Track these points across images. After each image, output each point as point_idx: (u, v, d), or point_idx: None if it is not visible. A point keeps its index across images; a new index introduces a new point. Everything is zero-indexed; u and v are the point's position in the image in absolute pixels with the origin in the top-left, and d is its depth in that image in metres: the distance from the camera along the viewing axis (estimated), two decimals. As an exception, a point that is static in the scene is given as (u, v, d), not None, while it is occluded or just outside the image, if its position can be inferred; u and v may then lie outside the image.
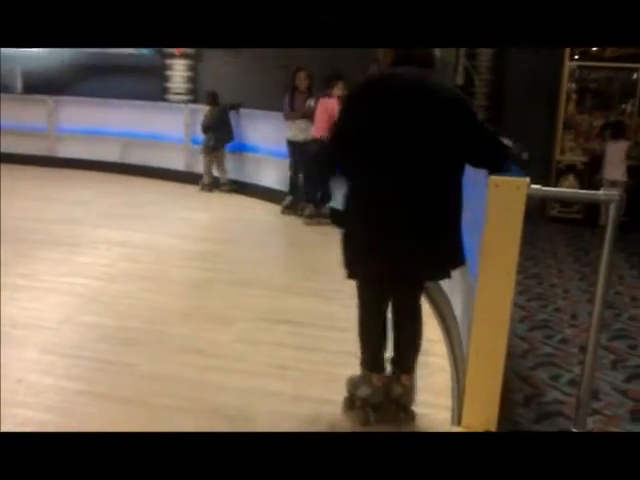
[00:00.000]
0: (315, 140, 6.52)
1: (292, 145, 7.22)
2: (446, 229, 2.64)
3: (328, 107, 6.36)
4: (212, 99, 8.51)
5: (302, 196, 7.18)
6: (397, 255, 2.61)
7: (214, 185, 8.60)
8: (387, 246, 2.60)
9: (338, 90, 6.52)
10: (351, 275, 2.78)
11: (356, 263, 2.73)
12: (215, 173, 8.66)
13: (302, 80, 7.10)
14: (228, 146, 8.58)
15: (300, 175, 7.22)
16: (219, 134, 8.41)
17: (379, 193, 2.58)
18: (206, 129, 8.47)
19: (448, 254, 2.69)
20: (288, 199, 7.40)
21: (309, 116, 6.95)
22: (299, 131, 7.10)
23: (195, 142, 8.93)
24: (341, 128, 2.69)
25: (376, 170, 2.58)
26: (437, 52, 2.84)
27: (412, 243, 2.59)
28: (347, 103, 2.75)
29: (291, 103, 7.14)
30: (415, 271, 2.76)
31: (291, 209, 7.35)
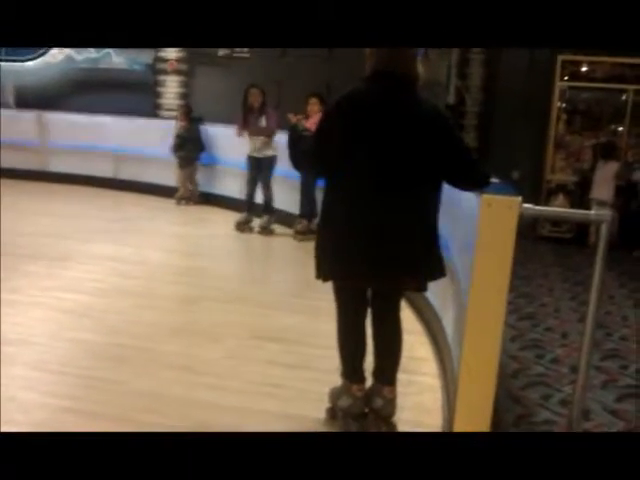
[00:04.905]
0: None
1: (251, 160, 7.22)
2: (423, 240, 2.69)
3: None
4: (186, 113, 8.73)
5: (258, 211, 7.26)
6: (372, 263, 2.64)
7: (190, 198, 8.79)
8: (363, 254, 2.63)
9: (313, 106, 6.54)
10: (325, 278, 2.80)
11: (333, 269, 2.75)
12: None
13: (255, 97, 7.03)
14: (206, 160, 8.78)
15: (258, 190, 7.26)
16: (191, 146, 8.65)
17: (360, 204, 2.63)
18: (178, 144, 8.66)
19: (425, 264, 2.73)
20: (243, 215, 7.35)
21: (262, 134, 7.01)
22: (259, 146, 7.11)
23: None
24: (322, 140, 2.71)
25: (357, 182, 2.63)
26: (422, 71, 2.79)
27: (389, 252, 2.62)
28: (327, 117, 2.74)
29: (244, 121, 7.08)
30: (391, 279, 2.76)
31: (245, 225, 7.30)
